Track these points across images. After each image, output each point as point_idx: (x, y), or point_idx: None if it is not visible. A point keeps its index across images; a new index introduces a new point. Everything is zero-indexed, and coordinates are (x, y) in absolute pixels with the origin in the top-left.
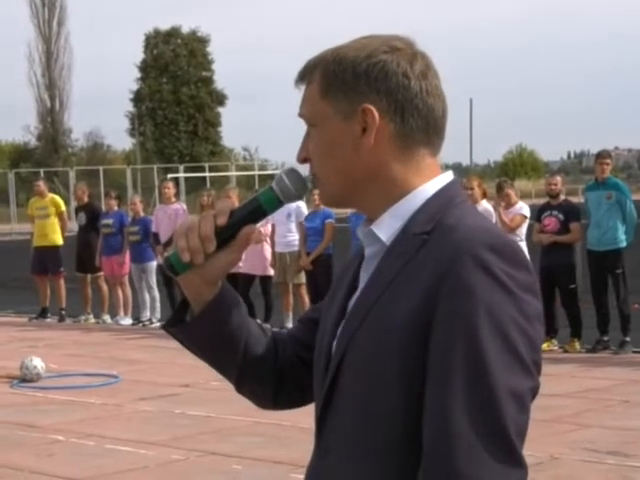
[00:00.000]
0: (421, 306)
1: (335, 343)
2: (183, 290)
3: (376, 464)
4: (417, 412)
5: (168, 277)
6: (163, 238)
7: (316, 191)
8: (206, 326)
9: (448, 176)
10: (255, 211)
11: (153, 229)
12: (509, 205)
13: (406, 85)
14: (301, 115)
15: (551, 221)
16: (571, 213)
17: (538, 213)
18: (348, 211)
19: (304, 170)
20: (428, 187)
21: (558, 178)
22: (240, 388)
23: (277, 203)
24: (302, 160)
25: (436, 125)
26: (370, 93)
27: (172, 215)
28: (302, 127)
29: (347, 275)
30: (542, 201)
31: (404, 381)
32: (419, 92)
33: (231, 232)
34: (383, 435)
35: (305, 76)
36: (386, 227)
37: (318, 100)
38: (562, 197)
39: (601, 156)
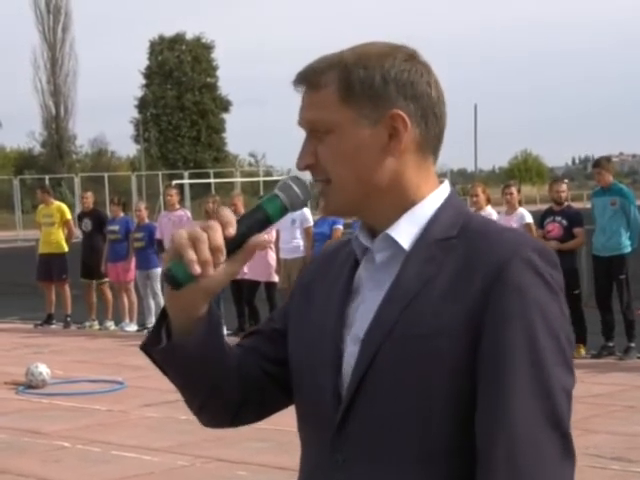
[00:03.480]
0: (471, 308)
1: (353, 352)
2: (171, 305)
3: (417, 473)
4: (462, 416)
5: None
6: (167, 245)
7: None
8: (197, 343)
9: (447, 184)
10: (262, 221)
11: (157, 236)
12: (510, 207)
13: (429, 93)
14: (308, 120)
15: (554, 227)
16: (574, 219)
17: (541, 219)
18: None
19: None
20: (437, 195)
21: (564, 185)
22: (203, 410)
23: (284, 212)
24: (304, 167)
25: (443, 133)
26: (398, 99)
27: (176, 221)
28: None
29: (334, 279)
30: (547, 207)
31: (449, 385)
32: (437, 100)
33: (237, 243)
34: (424, 442)
35: (313, 80)
36: (404, 233)
37: (337, 105)
38: (565, 203)
39: (595, 165)
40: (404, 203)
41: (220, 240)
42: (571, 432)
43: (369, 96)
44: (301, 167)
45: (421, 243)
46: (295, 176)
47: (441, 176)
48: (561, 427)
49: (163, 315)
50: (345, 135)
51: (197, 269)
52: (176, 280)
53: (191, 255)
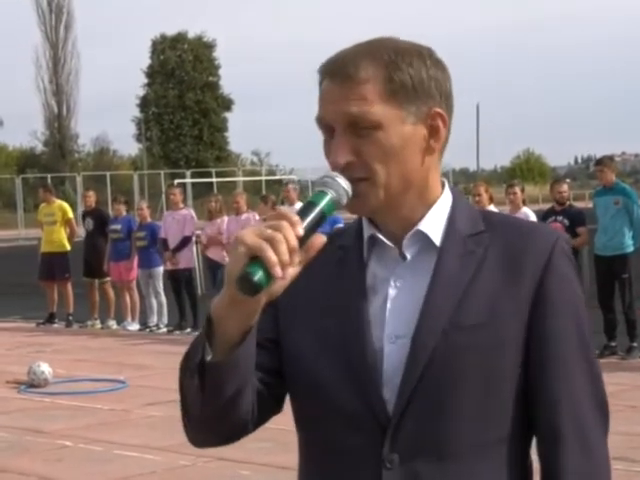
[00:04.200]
0: (525, 298)
1: (404, 346)
2: (230, 312)
3: (488, 462)
4: (523, 401)
5: (177, 283)
6: (171, 244)
7: None
8: (247, 354)
9: (446, 182)
10: (319, 220)
11: (162, 235)
12: (514, 207)
13: (450, 90)
14: (349, 114)
15: (556, 226)
16: (577, 218)
17: (543, 218)
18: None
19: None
20: (447, 192)
21: (565, 185)
22: (218, 426)
23: (334, 208)
24: (345, 165)
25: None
26: (437, 97)
27: (180, 221)
28: (311, 131)
29: (332, 280)
30: (549, 206)
31: (513, 370)
32: (453, 98)
33: (302, 242)
34: (493, 431)
35: (354, 74)
36: (434, 228)
37: (383, 100)
38: (567, 202)
39: (598, 163)
40: (428, 200)
41: (295, 240)
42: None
43: (415, 93)
44: (341, 164)
45: (452, 238)
46: (335, 173)
47: (443, 175)
48: (606, 405)
49: (209, 324)
50: (391, 131)
51: (279, 271)
52: (257, 284)
53: (273, 256)
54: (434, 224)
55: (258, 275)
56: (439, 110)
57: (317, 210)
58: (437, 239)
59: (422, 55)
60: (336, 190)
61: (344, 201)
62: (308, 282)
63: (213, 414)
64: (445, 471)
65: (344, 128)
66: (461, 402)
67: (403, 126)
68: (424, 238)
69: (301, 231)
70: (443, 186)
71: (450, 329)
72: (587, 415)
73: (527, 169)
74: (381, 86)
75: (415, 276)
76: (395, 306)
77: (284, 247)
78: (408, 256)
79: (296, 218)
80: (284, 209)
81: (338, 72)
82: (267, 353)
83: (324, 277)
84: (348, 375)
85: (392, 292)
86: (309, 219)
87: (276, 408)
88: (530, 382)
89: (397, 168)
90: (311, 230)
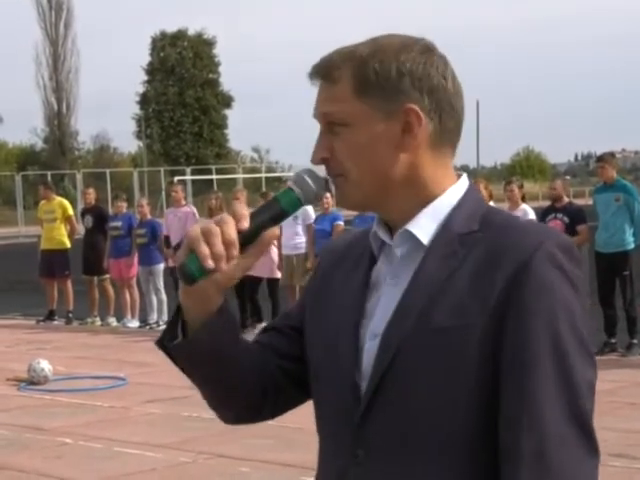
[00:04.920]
0: (493, 303)
1: (374, 345)
2: (185, 300)
3: (440, 464)
4: (485, 408)
5: (178, 281)
6: (174, 241)
7: (325, 194)
8: (212, 338)
9: (465, 178)
10: (276, 214)
11: (164, 232)
12: (513, 204)
13: (444, 85)
14: (323, 113)
15: (556, 224)
16: (577, 215)
17: (542, 216)
18: (354, 213)
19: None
20: (457, 188)
21: (558, 182)
22: (221, 405)
23: (298, 205)
24: (319, 160)
25: (461, 126)
26: (413, 92)
27: (182, 218)
28: (310, 129)
29: (349, 275)
30: (549, 203)
31: (472, 378)
32: (453, 93)
33: (251, 236)
34: (447, 434)
35: (329, 73)
36: (424, 227)
37: (352, 99)
38: (566, 199)
39: (599, 159)
40: (423, 198)
41: (233, 234)
42: (593, 424)
43: (384, 90)
44: (316, 161)
45: (441, 238)
46: (309, 169)
47: None
48: (584, 420)
49: (178, 311)
50: (360, 129)
51: (210, 263)
52: (190, 275)
53: (204, 249)
54: (426, 223)
55: (192, 266)
56: (412, 106)
57: (276, 206)
58: (426, 238)
59: (403, 50)
60: (301, 187)
61: (311, 198)
62: (334, 276)
63: (204, 393)
64: (406, 470)
65: (324, 126)
66: (422, 403)
67: (372, 123)
68: (412, 237)
69: (245, 225)
70: (454, 181)
71: (416, 329)
72: (553, 432)
73: (527, 166)
74: (350, 85)
75: (404, 274)
76: (383, 303)
77: (218, 240)
78: (398, 254)
79: (243, 213)
80: (239, 205)
81: (318, 73)
82: (286, 339)
83: (345, 273)
84: (337, 370)
85: (385, 289)
86: (263, 215)
87: (298, 396)
88: (499, 391)
89: (368, 165)
90: (263, 225)
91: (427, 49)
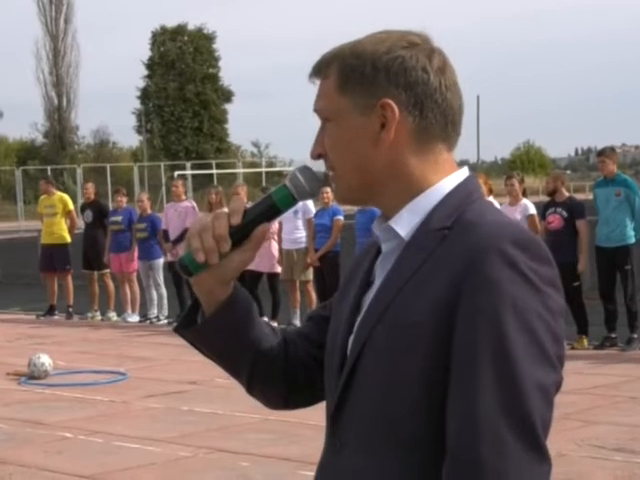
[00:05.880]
0: (444, 301)
1: (352, 339)
2: (195, 291)
3: (396, 461)
4: (439, 408)
5: (178, 275)
6: (172, 236)
7: (326, 188)
8: (219, 327)
9: (464, 172)
10: (269, 210)
11: (163, 226)
12: (513, 198)
13: (425, 80)
14: (316, 110)
15: (555, 218)
16: (576, 210)
17: (543, 210)
18: (355, 208)
19: (317, 167)
20: (446, 183)
21: (550, 175)
22: (251, 389)
23: (291, 201)
24: (317, 156)
25: (453, 120)
26: (389, 87)
27: (182, 213)
28: (311, 123)
29: (359, 271)
30: (549, 198)
31: (426, 376)
32: (438, 87)
33: (245, 231)
34: (403, 432)
35: (321, 70)
36: (405, 223)
37: (335, 95)
38: (567, 194)
39: (599, 154)
40: (409, 192)
41: (223, 229)
42: (540, 432)
43: (362, 85)
44: (313, 156)
45: (421, 233)
46: (304, 166)
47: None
48: (528, 425)
49: (197, 299)
50: (341, 124)
51: (200, 257)
52: (185, 268)
53: (196, 243)
54: (408, 217)
55: (186, 260)
56: (387, 101)
57: (268, 203)
58: (405, 233)
59: (381, 46)
60: (295, 184)
61: (305, 193)
62: (357, 271)
63: (231, 374)
64: (374, 465)
65: (321, 122)
66: (381, 398)
67: (352, 118)
68: (395, 232)
69: (237, 220)
70: (446, 176)
71: (379, 326)
72: (488, 437)
73: (527, 161)
74: (335, 81)
75: (385, 270)
76: (368, 298)
77: (208, 235)
78: (383, 249)
79: (236, 209)
80: (235, 200)
81: (313, 69)
82: (317, 328)
83: (366, 266)
84: (330, 363)
85: (377, 283)
86: (257, 210)
87: None
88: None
89: (349, 159)
90: (257, 220)
91: (412, 43)
